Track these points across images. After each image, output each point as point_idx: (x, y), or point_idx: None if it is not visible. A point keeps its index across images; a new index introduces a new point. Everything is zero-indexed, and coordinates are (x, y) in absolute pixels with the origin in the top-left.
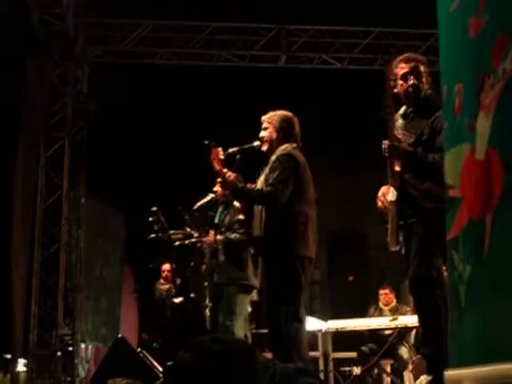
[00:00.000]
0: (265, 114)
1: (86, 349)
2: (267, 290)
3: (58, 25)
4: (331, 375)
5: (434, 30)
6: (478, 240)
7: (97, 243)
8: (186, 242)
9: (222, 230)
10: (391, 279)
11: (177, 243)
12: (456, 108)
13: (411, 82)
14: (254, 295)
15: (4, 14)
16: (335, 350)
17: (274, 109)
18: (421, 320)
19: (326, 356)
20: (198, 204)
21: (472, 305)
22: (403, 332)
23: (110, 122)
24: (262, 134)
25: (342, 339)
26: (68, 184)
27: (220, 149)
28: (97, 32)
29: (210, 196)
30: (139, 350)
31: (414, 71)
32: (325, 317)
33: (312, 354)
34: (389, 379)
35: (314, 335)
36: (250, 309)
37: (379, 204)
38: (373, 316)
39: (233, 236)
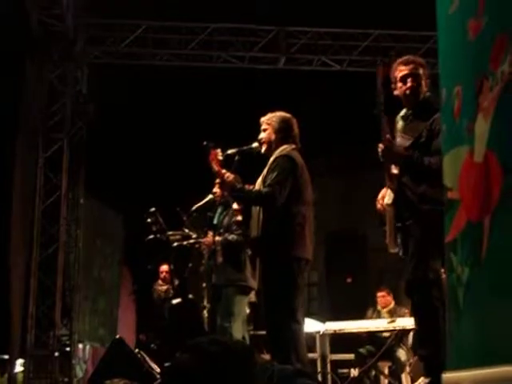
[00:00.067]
0: (264, 115)
1: (83, 349)
2: (264, 291)
3: (58, 25)
4: (329, 377)
5: (433, 32)
6: (476, 242)
7: (95, 244)
8: (185, 243)
9: (221, 231)
10: (389, 281)
11: (175, 244)
12: (455, 110)
13: (409, 84)
14: (252, 296)
15: (3, 15)
16: (333, 351)
17: (273, 110)
18: (418, 322)
19: (323, 358)
20: (197, 205)
21: (470, 307)
22: (401, 334)
23: (108, 122)
24: (261, 135)
25: (339, 341)
26: (67, 184)
27: (219, 150)
28: (96, 33)
29: (209, 197)
30: (137, 350)
31: (412, 74)
32: (323, 318)
33: (310, 355)
34: (386, 381)
35: (312, 337)
36: (248, 310)
37: (378, 206)
38: (371, 318)
39: (231, 237)
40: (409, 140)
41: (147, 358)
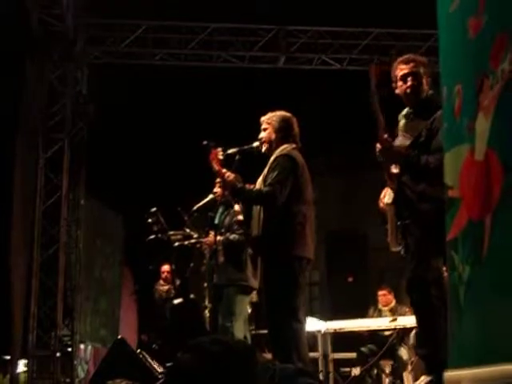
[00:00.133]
0: (264, 114)
1: (85, 350)
2: (265, 290)
3: (58, 26)
4: (331, 376)
5: (433, 30)
6: (477, 241)
7: (96, 244)
8: (186, 242)
9: (222, 230)
10: (391, 280)
11: (176, 244)
12: (456, 109)
13: (410, 83)
14: (254, 296)
15: (3, 15)
16: (335, 350)
17: (273, 109)
18: (418, 321)
19: (325, 357)
20: (198, 205)
21: (471, 305)
22: (403, 333)
23: (109, 123)
24: (262, 134)
25: (341, 340)
26: (67, 185)
27: (219, 149)
28: (96, 33)
29: (210, 197)
30: (139, 351)
31: (413, 72)
32: (324, 317)
33: (311, 354)
34: (388, 380)
35: (313, 336)
36: (249, 310)
37: (381, 205)
38: (372, 317)
39: (232, 237)
40: (409, 139)
41: (149, 358)
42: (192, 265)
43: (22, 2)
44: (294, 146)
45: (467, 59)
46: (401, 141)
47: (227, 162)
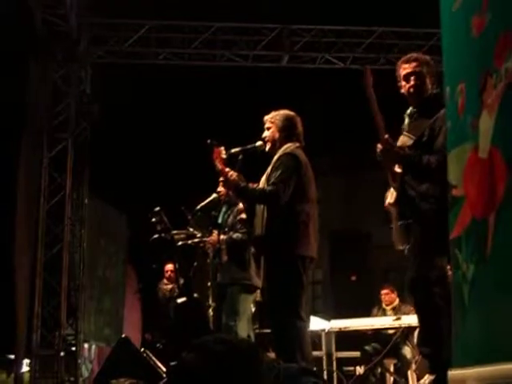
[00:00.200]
0: (267, 113)
1: (89, 349)
2: (268, 289)
3: (62, 25)
4: (334, 375)
5: (436, 29)
6: (481, 239)
7: (100, 243)
8: (189, 242)
9: (226, 230)
10: (394, 278)
11: (180, 243)
12: (459, 107)
13: (412, 82)
14: (258, 295)
15: (7, 14)
16: (338, 349)
17: (276, 108)
18: (420, 320)
19: (329, 356)
20: (201, 204)
21: (475, 304)
22: (406, 332)
23: (113, 122)
24: (265, 133)
25: (345, 339)
26: (71, 184)
27: (222, 148)
28: (99, 32)
29: (213, 196)
30: (142, 350)
31: (415, 72)
32: (328, 316)
33: (315, 353)
34: (392, 379)
35: (317, 335)
36: (253, 309)
37: (386, 203)
38: (376, 316)
39: (235, 236)
40: (412, 138)
41: (153, 357)
42: (196, 264)
43: (25, 2)
44: (297, 145)
45: (471, 58)
46: (403, 140)
47: (230, 162)
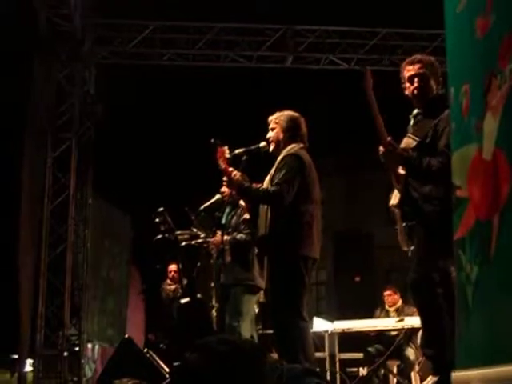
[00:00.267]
0: (271, 114)
1: (92, 349)
2: (271, 290)
3: (66, 26)
4: (337, 376)
5: (441, 30)
6: (485, 241)
7: (103, 243)
8: (193, 242)
9: (229, 230)
10: (397, 279)
11: (183, 244)
12: (463, 109)
13: (416, 84)
14: (261, 296)
15: (12, 15)
16: (342, 350)
17: (280, 109)
18: (422, 321)
19: (332, 357)
20: (205, 205)
21: (479, 305)
22: (410, 333)
23: (116, 122)
24: (269, 134)
25: (348, 340)
26: (75, 184)
27: (226, 147)
28: (104, 33)
29: (217, 197)
30: (146, 350)
31: (419, 74)
32: (331, 317)
33: (318, 354)
34: (395, 380)
35: (320, 336)
36: (256, 309)
37: (390, 205)
38: (379, 317)
39: (239, 236)
40: (416, 140)
41: (156, 358)
42: (199, 264)
43: (29, 2)
44: (301, 145)
45: (475, 59)
46: (407, 142)
47: (234, 163)
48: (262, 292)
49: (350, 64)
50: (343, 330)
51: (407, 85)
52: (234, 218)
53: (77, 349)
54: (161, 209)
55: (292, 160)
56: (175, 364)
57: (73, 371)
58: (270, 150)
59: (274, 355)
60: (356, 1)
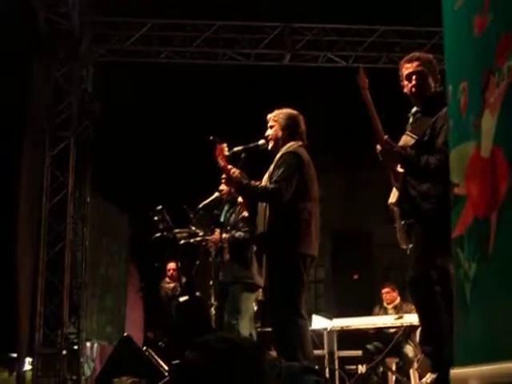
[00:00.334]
0: (270, 112)
1: (91, 347)
2: (270, 287)
3: (64, 24)
4: (336, 373)
5: (438, 28)
6: (483, 238)
7: (102, 242)
8: (191, 240)
9: (228, 228)
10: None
11: (182, 242)
12: (461, 106)
13: (414, 82)
14: (260, 294)
15: (10, 14)
16: (340, 348)
17: (278, 107)
18: (421, 319)
19: (331, 354)
20: (203, 203)
21: (477, 303)
22: (408, 330)
23: (115, 121)
24: (268, 132)
25: (347, 337)
26: (73, 183)
27: (224, 145)
28: (101, 31)
29: (216, 195)
30: (145, 348)
31: (417, 71)
32: (330, 315)
33: (317, 352)
34: (394, 377)
35: (319, 334)
36: (255, 307)
37: (388, 203)
38: (378, 315)
39: (237, 234)
40: (414, 138)
41: (155, 356)
42: (198, 262)
43: (28, 1)
44: (300, 143)
45: (473, 56)
46: (406, 140)
47: (233, 161)
48: (260, 290)
49: (347, 62)
50: (342, 327)
51: (405, 83)
52: (233, 215)
53: (76, 347)
54: (159, 207)
55: (290, 158)
56: (174, 362)
57: (72, 370)
58: (269, 147)
59: (273, 353)
60: None
